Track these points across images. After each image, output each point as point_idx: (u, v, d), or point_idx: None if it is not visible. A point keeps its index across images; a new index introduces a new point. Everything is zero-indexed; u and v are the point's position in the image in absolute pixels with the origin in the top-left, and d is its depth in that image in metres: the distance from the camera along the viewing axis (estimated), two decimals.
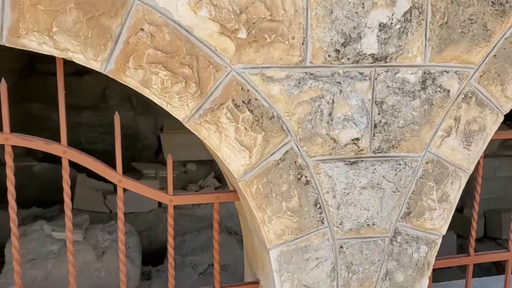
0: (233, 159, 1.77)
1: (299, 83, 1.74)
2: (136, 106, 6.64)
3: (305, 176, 1.84)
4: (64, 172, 1.93)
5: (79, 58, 1.62)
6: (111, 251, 3.63)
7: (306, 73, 1.73)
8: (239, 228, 2.19)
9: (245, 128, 1.74)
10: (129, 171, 6.07)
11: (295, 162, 1.82)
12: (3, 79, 1.80)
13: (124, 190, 1.95)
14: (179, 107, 1.69)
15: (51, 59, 1.72)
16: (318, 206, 1.87)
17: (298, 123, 1.79)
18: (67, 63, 1.70)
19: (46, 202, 5.44)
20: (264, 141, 1.77)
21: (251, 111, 1.73)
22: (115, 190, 5.82)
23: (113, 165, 1.93)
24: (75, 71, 5.96)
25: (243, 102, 1.71)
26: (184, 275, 4.20)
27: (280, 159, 1.80)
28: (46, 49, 1.59)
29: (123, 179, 1.96)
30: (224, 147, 1.76)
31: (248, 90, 1.70)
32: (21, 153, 7.11)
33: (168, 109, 1.69)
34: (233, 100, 1.70)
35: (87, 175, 5.48)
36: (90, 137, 6.78)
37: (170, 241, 2.02)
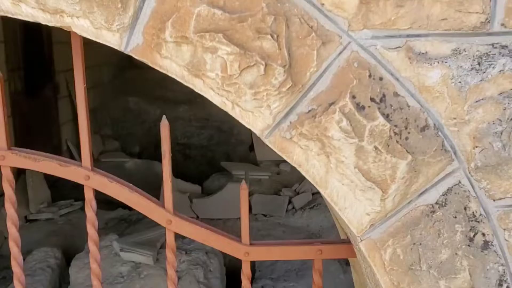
0: (352, 201, 1.00)
1: (479, 64, 0.95)
2: None
3: (483, 234, 1.03)
4: (88, 207, 1.28)
5: (83, 27, 0.93)
6: (188, 276, 3.02)
7: (492, 45, 0.96)
8: None
9: (375, 147, 0.96)
10: (219, 171, 5.59)
11: (465, 208, 1.01)
12: None
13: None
14: (253, 110, 0.95)
15: None
16: (504, 287, 1.04)
17: (474, 139, 0.98)
18: None
19: None
20: (411, 171, 0.98)
21: (386, 117, 0.95)
22: (203, 193, 5.31)
23: (212, 159, 1.24)
24: None
25: (372, 99, 0.94)
26: None
27: (437, 203, 1.00)
28: (28, 12, 0.92)
29: (174, 219, 1.28)
30: (335, 180, 0.99)
31: (381, 78, 0.93)
32: (114, 149, 6.93)
33: (236, 114, 0.96)
34: (354, 97, 0.94)
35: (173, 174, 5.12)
36: (186, 131, 6.74)
37: None
